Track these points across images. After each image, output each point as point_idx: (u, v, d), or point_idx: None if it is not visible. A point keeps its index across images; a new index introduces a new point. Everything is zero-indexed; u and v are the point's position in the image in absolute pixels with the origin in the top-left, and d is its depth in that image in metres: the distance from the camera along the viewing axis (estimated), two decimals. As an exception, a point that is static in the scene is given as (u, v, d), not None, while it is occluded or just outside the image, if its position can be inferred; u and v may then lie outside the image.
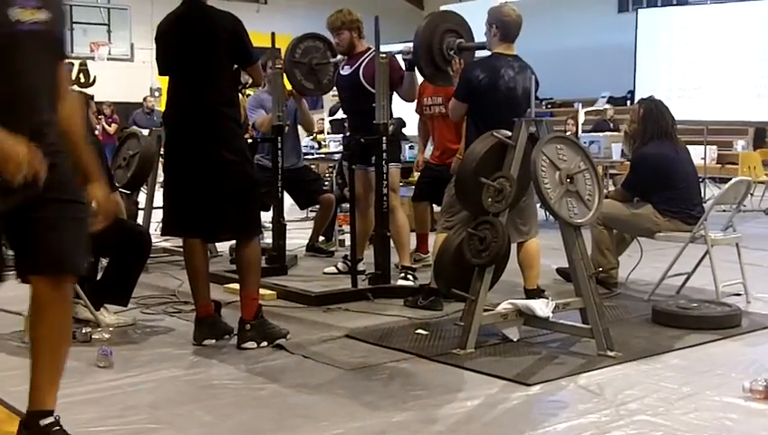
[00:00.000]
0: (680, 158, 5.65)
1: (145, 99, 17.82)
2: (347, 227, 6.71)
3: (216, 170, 4.20)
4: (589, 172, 4.27)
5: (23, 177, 2.50)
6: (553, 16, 18.99)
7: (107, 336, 4.40)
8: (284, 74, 6.34)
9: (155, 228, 6.21)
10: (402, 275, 5.71)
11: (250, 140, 6.29)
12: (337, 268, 6.31)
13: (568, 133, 11.32)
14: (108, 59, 19.93)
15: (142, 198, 7.11)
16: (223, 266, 6.24)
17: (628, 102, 15.48)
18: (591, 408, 3.38)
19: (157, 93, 20.02)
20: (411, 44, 5.43)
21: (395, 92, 5.77)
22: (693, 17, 12.17)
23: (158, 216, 5.35)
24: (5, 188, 2.57)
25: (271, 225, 6.58)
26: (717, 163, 12.88)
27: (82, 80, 21.03)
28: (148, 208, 6.93)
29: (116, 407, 3.40)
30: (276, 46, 6.54)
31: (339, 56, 6.17)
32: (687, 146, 6.00)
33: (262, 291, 4.66)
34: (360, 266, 5.79)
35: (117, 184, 5.53)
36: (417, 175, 7.44)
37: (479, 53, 5.46)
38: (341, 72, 6.00)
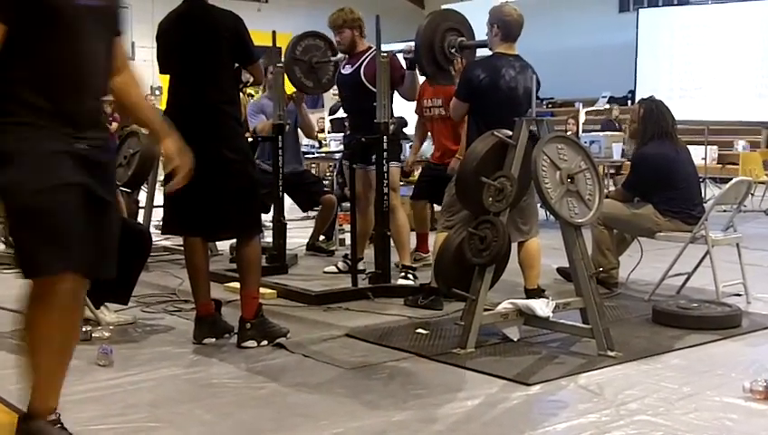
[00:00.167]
0: (681, 158, 5.65)
1: (146, 97, 17.83)
2: (347, 227, 6.71)
3: (217, 169, 4.20)
4: (589, 172, 4.27)
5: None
6: (554, 16, 18.98)
7: (107, 335, 4.40)
8: (285, 73, 6.35)
9: (155, 227, 6.22)
10: (402, 274, 5.71)
11: (250, 140, 6.28)
12: (337, 267, 6.31)
13: (568, 133, 11.32)
14: (109, 57, 19.94)
15: (143, 196, 7.12)
16: (223, 265, 6.24)
17: (629, 102, 15.47)
18: (591, 408, 3.38)
19: (157, 92, 20.03)
20: (412, 43, 5.44)
21: (396, 91, 5.77)
22: (694, 17, 12.17)
23: (158, 214, 5.35)
24: (96, 165, 2.57)
25: (271, 224, 6.58)
26: (718, 163, 12.89)
27: (83, 78, 21.02)
28: (148, 207, 6.93)
29: (116, 405, 3.40)
30: (277, 45, 6.53)
31: (339, 55, 6.17)
32: (688, 146, 6.00)
33: (262, 290, 4.66)
34: (361, 266, 5.79)
35: (117, 182, 5.52)
36: (416, 174, 7.45)
37: (481, 53, 5.46)
38: (342, 71, 6.00)
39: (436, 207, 6.59)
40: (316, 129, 8.48)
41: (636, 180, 5.72)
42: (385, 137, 5.41)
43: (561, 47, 18.56)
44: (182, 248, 4.65)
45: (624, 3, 20.15)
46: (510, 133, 4.32)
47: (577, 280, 4.23)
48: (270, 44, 6.50)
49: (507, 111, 4.61)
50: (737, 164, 12.11)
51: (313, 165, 11.49)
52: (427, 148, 7.39)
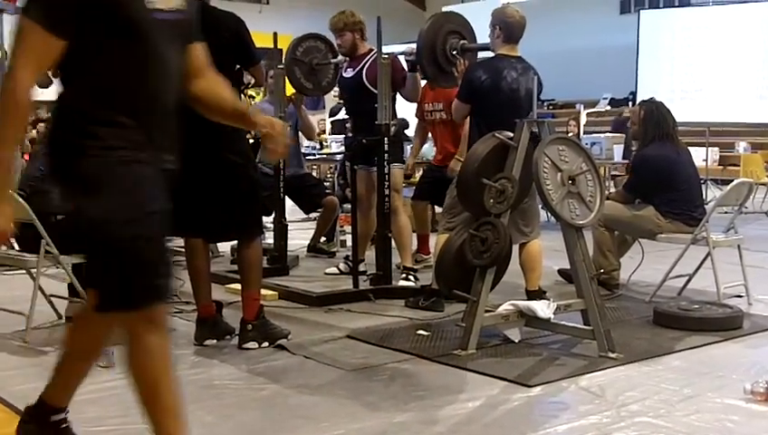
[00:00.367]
0: (681, 159, 5.65)
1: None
2: (348, 228, 6.71)
3: (219, 171, 4.20)
4: (590, 173, 4.27)
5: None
6: (555, 17, 18.99)
7: (108, 336, 4.39)
8: (286, 74, 6.35)
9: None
10: (403, 275, 5.71)
11: (252, 142, 6.29)
12: (338, 269, 6.31)
13: (570, 134, 11.32)
14: (110, 59, 19.95)
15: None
16: (224, 267, 6.24)
17: (630, 104, 15.48)
18: (592, 409, 3.38)
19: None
20: (413, 45, 5.45)
21: (398, 93, 5.78)
22: (695, 19, 12.18)
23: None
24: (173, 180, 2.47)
25: (272, 225, 6.58)
26: (719, 165, 12.89)
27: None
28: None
29: (117, 407, 3.40)
30: (278, 47, 6.54)
31: (340, 57, 6.17)
32: (689, 147, 6.00)
33: (263, 291, 4.66)
34: (362, 267, 5.79)
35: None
36: (417, 176, 7.45)
37: (483, 55, 5.47)
38: (344, 74, 6.01)
39: (437, 209, 6.60)
40: (317, 130, 8.49)
41: (637, 182, 5.72)
42: (386, 138, 5.42)
43: (563, 49, 18.57)
44: (183, 250, 4.65)
45: (625, 4, 20.16)
46: (511, 135, 4.32)
47: (578, 282, 4.23)
48: (271, 46, 6.51)
49: (509, 112, 4.61)
50: (738, 165, 12.12)
51: (314, 166, 11.49)
52: (428, 149, 7.40)
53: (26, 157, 8.62)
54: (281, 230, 6.44)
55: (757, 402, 3.41)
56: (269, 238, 6.60)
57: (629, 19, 16.39)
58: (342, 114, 10.30)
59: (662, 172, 5.52)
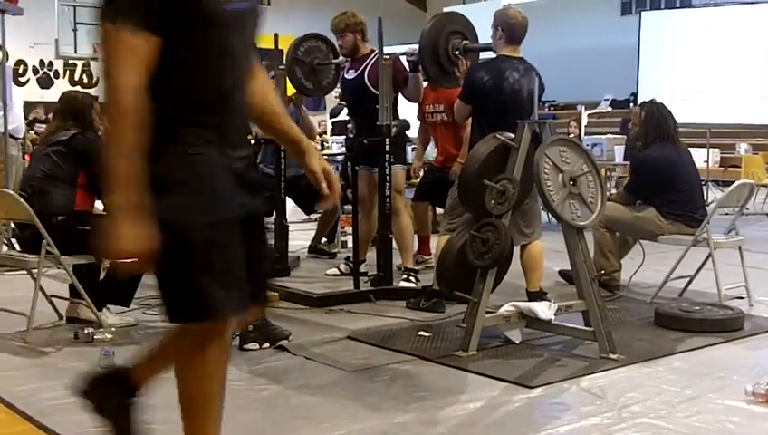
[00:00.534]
0: (682, 160, 5.65)
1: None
2: (349, 229, 6.71)
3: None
4: (591, 175, 4.27)
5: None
6: (556, 18, 18.98)
7: (109, 337, 4.40)
8: (287, 74, 6.36)
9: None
10: (404, 276, 5.71)
11: (253, 143, 6.29)
12: (339, 270, 6.31)
13: (570, 136, 11.32)
14: (111, 60, 19.93)
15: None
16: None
17: (631, 105, 15.47)
18: (593, 410, 3.38)
19: (160, 94, 20.02)
20: (415, 46, 5.45)
21: (400, 94, 5.78)
22: (696, 20, 12.17)
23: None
24: (255, 183, 2.32)
25: (273, 226, 6.58)
26: (720, 166, 12.87)
27: (86, 80, 21.05)
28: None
29: (118, 407, 3.39)
30: (279, 47, 6.54)
31: (341, 58, 6.17)
32: (690, 149, 6.00)
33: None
34: (363, 268, 5.79)
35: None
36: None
37: (485, 55, 5.47)
38: (346, 75, 6.01)
39: (438, 210, 6.59)
40: (317, 131, 8.48)
41: (638, 183, 5.72)
42: (387, 139, 5.42)
43: (564, 50, 18.57)
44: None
45: (626, 5, 20.16)
46: (512, 136, 4.32)
47: (579, 283, 4.23)
48: (272, 47, 6.51)
49: (510, 113, 4.61)
50: (739, 167, 12.11)
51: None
52: (429, 151, 7.39)
53: (27, 157, 8.63)
54: (282, 231, 6.44)
55: (758, 404, 3.41)
56: (270, 239, 6.59)
57: (631, 20, 16.39)
58: (343, 115, 10.30)
59: (663, 173, 5.52)
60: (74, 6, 18.96)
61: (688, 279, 5.55)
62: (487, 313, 4.21)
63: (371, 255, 5.94)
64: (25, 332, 4.32)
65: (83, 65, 20.59)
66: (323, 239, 7.36)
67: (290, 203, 6.86)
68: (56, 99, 5.12)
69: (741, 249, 5.49)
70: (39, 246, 4.36)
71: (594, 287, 4.17)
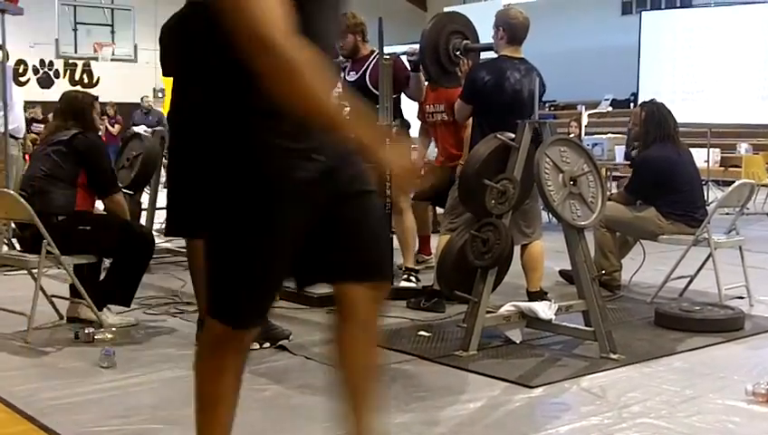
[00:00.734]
0: (683, 160, 5.65)
1: (142, 99, 17.86)
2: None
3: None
4: (592, 174, 4.27)
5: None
6: (557, 18, 19.00)
7: (110, 337, 4.40)
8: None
9: (158, 228, 6.22)
10: (405, 276, 5.71)
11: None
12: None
13: (571, 135, 11.32)
14: (111, 59, 19.97)
15: (145, 198, 7.12)
16: (225, 267, 6.23)
17: (632, 105, 15.48)
18: (594, 410, 3.38)
19: (160, 94, 20.02)
20: (415, 46, 5.45)
21: (402, 93, 5.78)
22: (696, 20, 12.18)
23: (161, 216, 5.36)
24: (329, 169, 2.12)
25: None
26: (720, 166, 12.87)
27: (86, 80, 21.05)
28: (150, 209, 6.94)
29: (118, 407, 3.40)
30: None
31: (340, 58, 6.16)
32: (691, 149, 6.00)
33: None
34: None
35: (120, 184, 5.53)
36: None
37: (486, 55, 5.47)
38: (347, 77, 6.00)
39: (438, 210, 6.59)
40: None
41: (638, 183, 5.72)
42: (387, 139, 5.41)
43: (564, 49, 18.59)
44: (185, 250, 4.65)
45: (627, 5, 20.18)
46: (513, 136, 4.32)
47: (579, 283, 4.23)
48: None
49: (512, 113, 4.61)
50: (740, 167, 12.11)
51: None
52: (430, 150, 7.39)
53: (27, 157, 8.63)
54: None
55: (759, 404, 3.41)
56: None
57: (631, 20, 16.40)
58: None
59: (663, 173, 5.52)
60: (74, 6, 18.93)
61: (689, 279, 5.55)
62: (488, 312, 4.21)
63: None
64: (26, 331, 4.31)
65: (84, 65, 20.60)
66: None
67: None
68: (56, 99, 5.12)
69: (741, 249, 5.49)
70: (39, 245, 4.36)
71: (594, 287, 4.17)
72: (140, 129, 7.05)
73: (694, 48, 11.65)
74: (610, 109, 16.67)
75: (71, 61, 20.79)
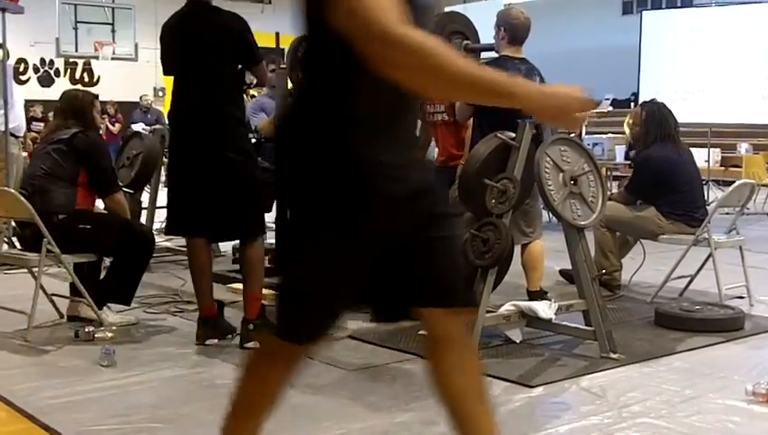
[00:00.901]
0: (683, 160, 5.65)
1: (141, 97, 17.86)
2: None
3: (221, 170, 4.21)
4: (592, 174, 4.27)
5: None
6: (558, 18, 18.99)
7: (110, 335, 4.40)
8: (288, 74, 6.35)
9: (158, 227, 6.22)
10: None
11: (254, 141, 6.29)
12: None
13: (571, 135, 11.31)
14: (112, 58, 19.97)
15: (145, 197, 7.12)
16: (226, 266, 6.24)
17: (632, 105, 15.47)
18: (594, 410, 3.38)
19: (161, 93, 20.01)
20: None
21: None
22: (697, 20, 12.18)
23: (161, 215, 5.36)
24: (416, 192, 2.05)
25: (274, 225, 6.57)
26: (721, 166, 12.87)
27: (86, 79, 21.04)
28: (151, 208, 6.94)
29: (118, 406, 3.40)
30: (280, 46, 6.53)
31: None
32: (691, 149, 6.00)
33: (265, 291, 4.65)
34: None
35: (120, 183, 5.54)
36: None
37: (486, 55, 5.46)
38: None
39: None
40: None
41: (638, 183, 5.72)
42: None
43: (565, 49, 18.57)
44: (185, 249, 4.65)
45: (627, 5, 20.18)
46: (513, 135, 4.32)
47: (579, 282, 4.23)
48: (273, 46, 6.51)
49: (512, 113, 4.59)
50: (740, 167, 12.11)
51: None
52: (431, 150, 7.38)
53: (28, 156, 8.64)
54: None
55: (758, 403, 3.41)
56: (271, 238, 6.59)
57: (632, 20, 16.40)
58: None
59: (664, 173, 5.52)
60: (75, 5, 18.92)
61: (689, 279, 5.55)
62: (488, 312, 4.21)
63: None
64: (26, 330, 4.31)
65: (84, 64, 20.58)
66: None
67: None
68: (57, 97, 5.12)
69: (741, 249, 5.50)
70: (40, 244, 4.36)
71: (595, 287, 4.17)
72: (139, 127, 7.06)
73: (694, 48, 11.65)
74: (611, 109, 16.66)
75: (71, 59, 20.78)
